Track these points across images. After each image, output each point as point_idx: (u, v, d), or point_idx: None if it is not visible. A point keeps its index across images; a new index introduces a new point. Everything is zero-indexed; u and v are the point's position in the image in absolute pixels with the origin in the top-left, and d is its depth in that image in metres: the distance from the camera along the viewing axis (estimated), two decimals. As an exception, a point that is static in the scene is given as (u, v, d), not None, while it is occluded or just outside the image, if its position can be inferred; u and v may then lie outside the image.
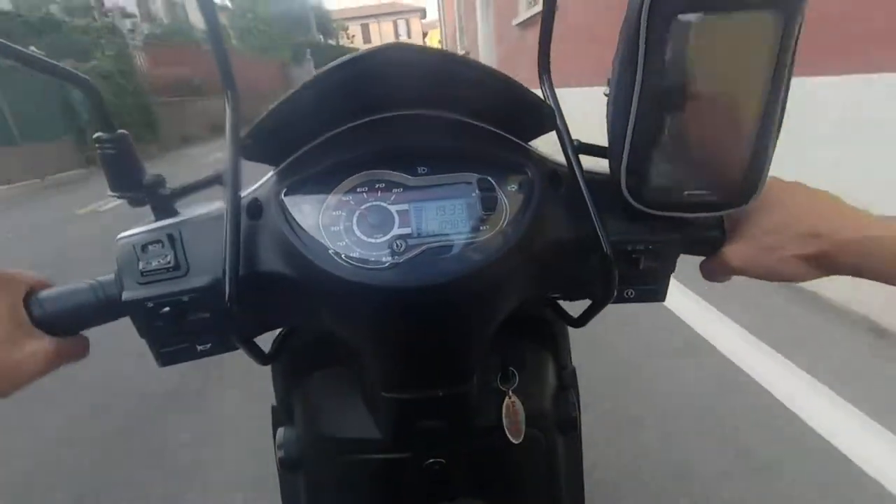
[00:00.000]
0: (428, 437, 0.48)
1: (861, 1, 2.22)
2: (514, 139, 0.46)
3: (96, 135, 0.42)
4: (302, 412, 0.55)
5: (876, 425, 1.55)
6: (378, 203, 0.40)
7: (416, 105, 0.44)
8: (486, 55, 10.89)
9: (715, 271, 0.47)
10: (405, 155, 0.42)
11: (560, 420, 0.57)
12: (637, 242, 0.44)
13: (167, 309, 0.39)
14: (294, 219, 0.39)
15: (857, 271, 0.40)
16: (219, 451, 1.75)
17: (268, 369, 0.56)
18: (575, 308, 0.52)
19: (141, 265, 0.40)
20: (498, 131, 0.46)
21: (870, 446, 1.50)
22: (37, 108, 8.72)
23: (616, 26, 0.39)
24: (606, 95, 0.44)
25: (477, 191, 0.40)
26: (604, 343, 2.08)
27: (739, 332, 2.12)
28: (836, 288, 2.20)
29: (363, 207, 0.39)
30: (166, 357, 0.43)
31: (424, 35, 45.92)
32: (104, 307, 0.41)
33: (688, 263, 0.49)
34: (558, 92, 0.46)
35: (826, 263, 0.41)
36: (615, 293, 0.43)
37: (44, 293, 0.41)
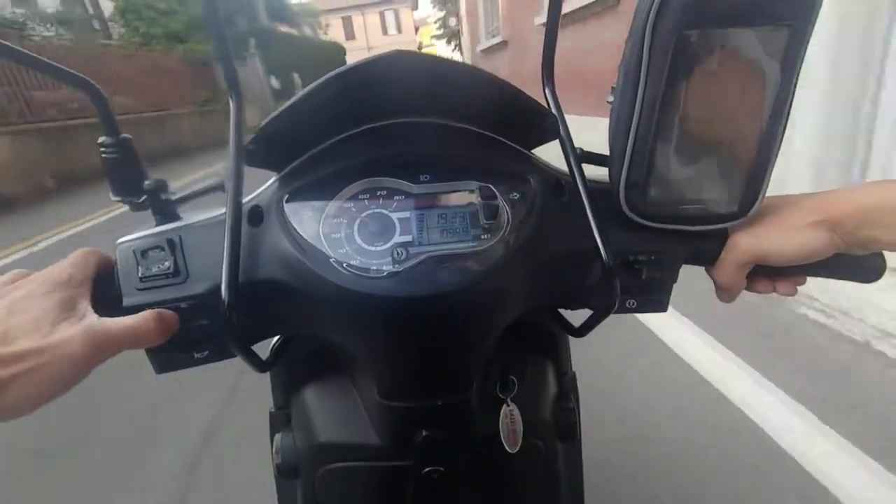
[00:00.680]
0: (427, 446, 0.47)
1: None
2: (517, 147, 0.46)
3: (100, 139, 0.41)
4: (300, 419, 0.55)
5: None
6: (379, 210, 0.40)
7: (419, 113, 0.44)
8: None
9: (726, 271, 0.44)
10: (407, 162, 0.42)
11: (560, 427, 0.57)
12: (639, 252, 0.44)
13: None
14: (295, 226, 0.39)
15: (874, 234, 0.38)
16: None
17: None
18: (576, 316, 0.52)
19: (140, 271, 0.40)
20: (501, 139, 0.46)
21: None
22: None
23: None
24: (610, 103, 0.44)
25: (479, 199, 0.40)
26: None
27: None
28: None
29: (364, 215, 0.39)
30: (164, 364, 0.42)
31: (416, 30, 41.50)
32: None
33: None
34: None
35: (839, 228, 0.39)
36: (617, 303, 0.43)
37: None
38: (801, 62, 0.35)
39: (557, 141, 0.46)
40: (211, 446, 1.65)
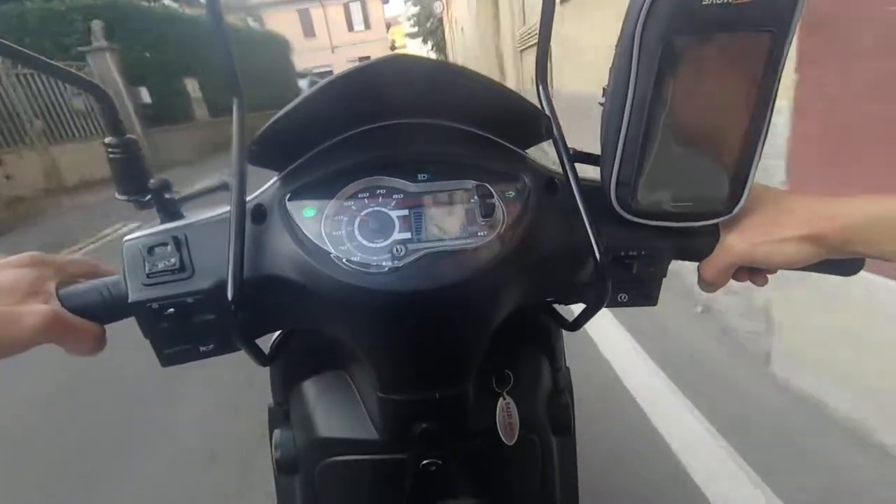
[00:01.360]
0: (424, 439, 0.48)
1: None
2: (512, 147, 0.47)
3: (106, 139, 0.42)
4: (299, 413, 0.56)
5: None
6: (379, 208, 0.41)
7: (418, 114, 0.45)
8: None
9: (714, 269, 0.47)
10: (406, 162, 0.43)
11: (554, 421, 0.58)
12: (630, 248, 0.46)
13: (172, 310, 0.40)
14: (297, 223, 0.40)
15: (859, 249, 0.41)
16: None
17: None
18: (570, 311, 0.53)
19: (147, 267, 0.41)
20: (496, 139, 0.47)
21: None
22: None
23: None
24: (601, 105, 0.45)
25: (475, 197, 0.42)
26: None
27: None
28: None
29: (364, 213, 0.41)
30: (169, 358, 0.43)
31: (388, 27, 37.33)
32: (111, 307, 0.42)
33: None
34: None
35: (827, 242, 0.41)
36: (608, 298, 0.45)
37: (71, 287, 0.42)
38: (783, 65, 0.36)
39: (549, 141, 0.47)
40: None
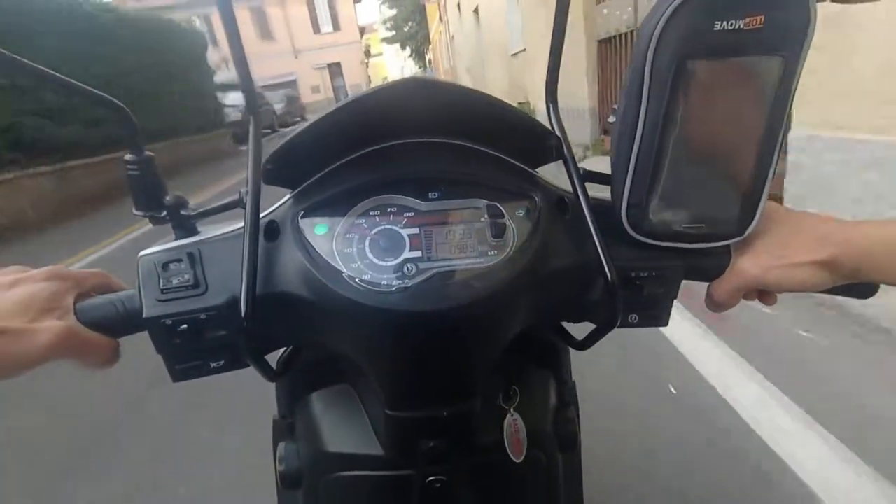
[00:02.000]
0: (430, 455, 0.48)
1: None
2: (522, 166, 0.48)
3: (125, 156, 0.43)
4: (304, 427, 0.56)
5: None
6: (390, 226, 0.41)
7: (429, 133, 0.45)
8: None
9: (725, 292, 0.46)
10: (416, 180, 0.43)
11: (560, 438, 0.58)
12: (640, 269, 0.46)
13: (185, 326, 0.41)
14: (309, 241, 0.41)
15: (871, 275, 0.41)
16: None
17: None
18: (578, 329, 0.53)
19: (162, 282, 0.41)
20: (506, 158, 0.47)
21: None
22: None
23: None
24: (611, 124, 0.46)
25: (486, 216, 0.42)
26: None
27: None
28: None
29: (375, 231, 0.41)
30: (180, 373, 0.44)
31: (362, 33, 33.42)
32: (125, 321, 0.42)
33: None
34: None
35: (838, 268, 0.41)
36: (620, 319, 0.44)
37: (86, 302, 0.42)
38: (795, 87, 0.37)
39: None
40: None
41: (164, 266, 0.42)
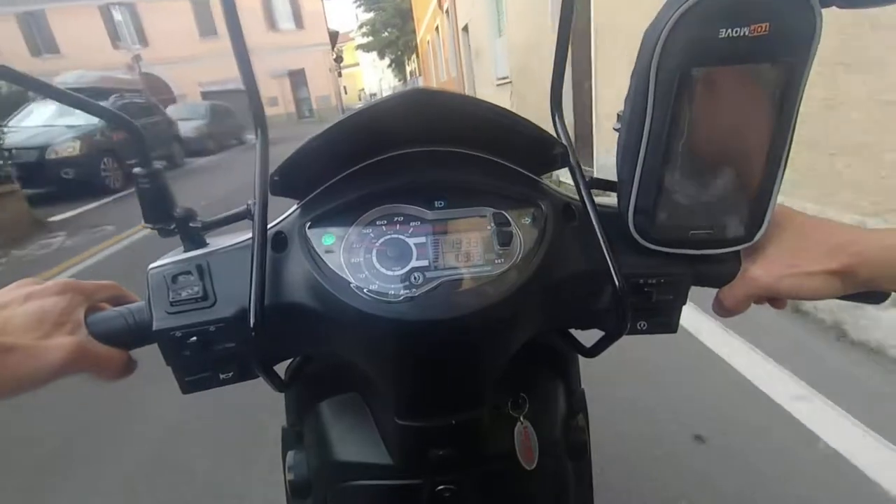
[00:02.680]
0: (439, 464, 0.48)
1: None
2: (528, 174, 0.48)
3: (135, 170, 0.44)
4: (313, 436, 0.56)
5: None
6: (396, 236, 0.41)
7: (434, 142, 0.46)
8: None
9: (734, 298, 0.46)
10: (422, 189, 0.43)
11: (570, 445, 0.57)
12: (649, 275, 0.45)
13: (195, 338, 0.41)
14: (316, 251, 0.41)
15: (884, 285, 0.41)
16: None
17: None
18: (586, 336, 0.53)
19: (171, 295, 0.42)
20: (512, 166, 0.47)
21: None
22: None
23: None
24: (616, 130, 0.46)
25: (492, 224, 0.42)
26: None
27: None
28: None
29: (382, 240, 0.41)
30: (190, 385, 0.44)
31: (335, 40, 27.57)
32: (135, 334, 0.42)
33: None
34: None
35: (852, 277, 0.41)
36: (629, 326, 0.44)
37: (97, 315, 0.42)
38: (802, 94, 0.37)
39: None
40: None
41: (174, 278, 0.43)
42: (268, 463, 1.62)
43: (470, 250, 0.41)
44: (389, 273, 0.40)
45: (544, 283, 0.42)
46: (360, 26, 30.71)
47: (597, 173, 0.57)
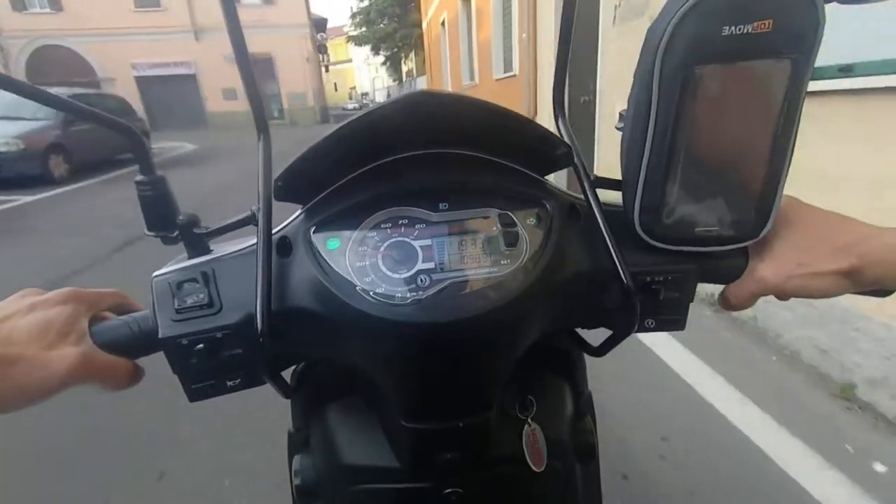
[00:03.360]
0: (446, 467, 0.48)
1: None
2: (532, 174, 0.47)
3: (137, 178, 0.43)
4: (320, 440, 0.56)
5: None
6: (402, 238, 0.41)
7: (438, 145, 0.45)
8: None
9: (741, 295, 0.46)
10: (427, 191, 0.43)
11: (578, 448, 0.57)
12: (655, 273, 0.45)
13: (201, 346, 0.41)
14: (322, 255, 0.41)
15: (889, 283, 0.41)
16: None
17: None
18: (592, 336, 0.53)
19: (176, 303, 0.42)
20: (516, 167, 0.47)
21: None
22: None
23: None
24: (619, 129, 0.46)
25: (498, 225, 0.42)
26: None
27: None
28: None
29: (388, 243, 0.41)
30: (197, 393, 0.44)
31: (319, 27, 24.66)
32: (141, 342, 0.42)
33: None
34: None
35: (861, 278, 0.41)
36: (637, 324, 0.44)
37: (102, 324, 0.42)
38: (806, 88, 0.37)
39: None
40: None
41: (179, 286, 0.42)
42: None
43: (476, 252, 0.41)
44: (395, 276, 0.40)
45: (551, 284, 0.42)
46: (354, 15, 25.39)
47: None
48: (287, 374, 0.50)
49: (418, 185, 0.44)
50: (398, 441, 0.50)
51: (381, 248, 0.41)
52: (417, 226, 0.42)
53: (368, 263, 0.40)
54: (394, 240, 0.41)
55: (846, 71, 1.96)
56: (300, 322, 0.42)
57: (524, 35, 6.27)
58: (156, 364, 0.44)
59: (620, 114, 0.45)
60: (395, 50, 24.72)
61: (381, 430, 0.52)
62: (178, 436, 1.85)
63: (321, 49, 26.46)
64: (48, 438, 1.87)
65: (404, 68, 27.34)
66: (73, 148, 8.38)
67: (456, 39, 11.56)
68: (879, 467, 1.61)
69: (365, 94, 55.17)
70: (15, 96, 0.36)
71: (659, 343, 2.33)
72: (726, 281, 0.47)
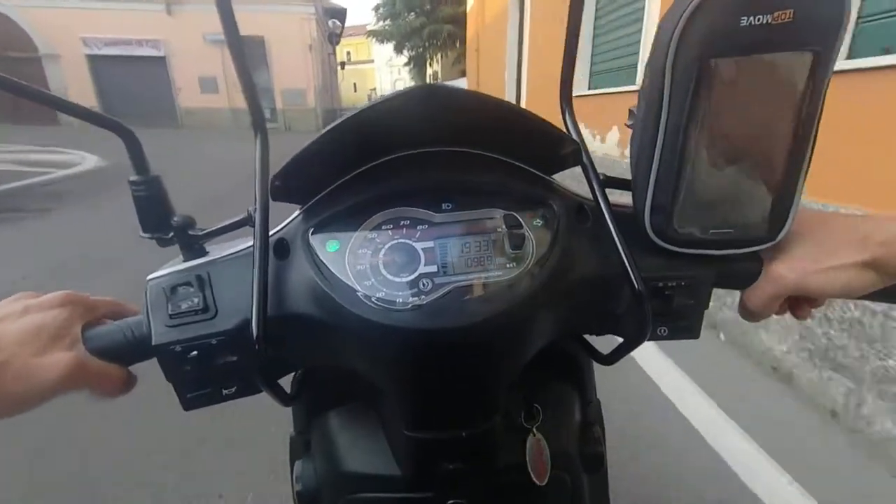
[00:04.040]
0: (449, 477, 0.47)
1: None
2: (538, 173, 0.46)
3: (130, 178, 0.43)
4: (321, 446, 0.54)
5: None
6: (403, 240, 0.40)
7: (441, 143, 0.44)
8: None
9: (760, 299, 0.44)
10: (429, 191, 0.42)
11: (586, 458, 0.55)
12: (668, 278, 0.43)
13: (195, 352, 0.39)
14: (321, 258, 0.40)
15: None
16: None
17: None
18: (601, 342, 0.51)
19: (170, 308, 0.40)
20: (522, 166, 0.45)
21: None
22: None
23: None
24: (628, 126, 0.44)
25: (503, 227, 0.40)
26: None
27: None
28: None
29: (388, 245, 0.40)
30: (192, 401, 0.42)
31: (338, 17, 21.32)
32: (134, 349, 0.41)
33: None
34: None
35: (885, 268, 0.39)
36: (649, 331, 0.42)
37: (95, 329, 0.41)
38: (828, 84, 0.35)
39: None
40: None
41: (173, 290, 0.41)
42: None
43: (480, 254, 0.40)
44: (397, 280, 0.38)
45: (558, 288, 0.40)
46: (377, 7, 21.59)
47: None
48: (288, 379, 0.49)
49: (420, 185, 0.42)
50: (400, 449, 0.49)
51: (382, 251, 0.39)
52: (419, 227, 0.40)
53: (369, 266, 0.39)
54: (395, 242, 0.40)
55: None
56: (298, 328, 0.41)
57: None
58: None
59: (631, 110, 0.44)
60: (421, 49, 21.13)
61: (384, 438, 0.51)
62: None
63: (332, 39, 21.26)
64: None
65: (429, 70, 24.15)
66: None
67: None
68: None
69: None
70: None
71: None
72: (742, 286, 0.45)
